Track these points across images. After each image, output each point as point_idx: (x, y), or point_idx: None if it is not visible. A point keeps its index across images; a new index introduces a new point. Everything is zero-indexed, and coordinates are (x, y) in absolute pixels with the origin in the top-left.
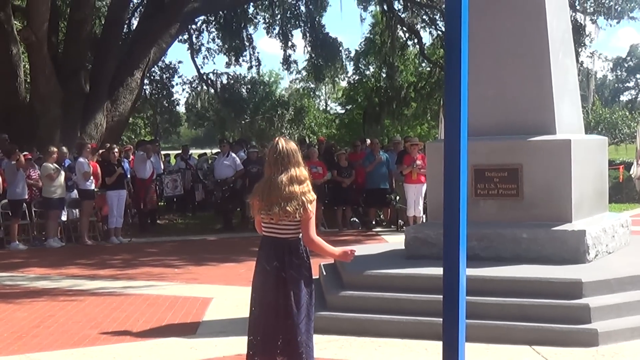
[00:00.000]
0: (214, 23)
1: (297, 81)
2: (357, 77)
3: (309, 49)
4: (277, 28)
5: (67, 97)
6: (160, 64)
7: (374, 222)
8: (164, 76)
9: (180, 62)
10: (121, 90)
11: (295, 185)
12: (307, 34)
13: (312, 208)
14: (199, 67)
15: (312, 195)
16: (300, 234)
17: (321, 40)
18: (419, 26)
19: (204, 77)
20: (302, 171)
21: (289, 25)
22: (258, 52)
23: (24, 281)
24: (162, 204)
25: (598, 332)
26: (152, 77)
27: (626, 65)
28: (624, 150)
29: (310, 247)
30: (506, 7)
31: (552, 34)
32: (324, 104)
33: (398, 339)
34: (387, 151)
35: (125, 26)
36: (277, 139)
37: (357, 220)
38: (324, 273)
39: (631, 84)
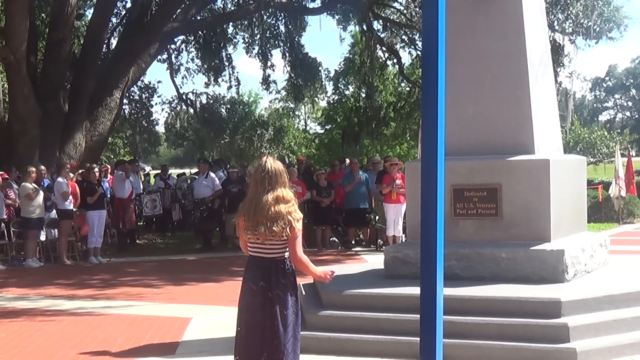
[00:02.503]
0: (193, 43)
1: (277, 101)
2: (336, 97)
3: (289, 68)
4: (257, 48)
5: (46, 116)
6: (139, 83)
7: (353, 242)
8: (143, 96)
9: (159, 81)
10: (100, 110)
11: (281, 205)
12: (287, 54)
13: (299, 226)
14: (178, 86)
15: (299, 214)
16: (287, 254)
17: (301, 60)
18: (398, 46)
19: (183, 96)
20: (288, 192)
21: (268, 45)
22: (237, 72)
23: (2, 301)
24: (142, 223)
25: (577, 351)
26: (131, 97)
27: (605, 85)
28: (602, 170)
29: (296, 265)
30: (485, 28)
31: (530, 55)
32: (304, 124)
33: (378, 358)
34: (366, 171)
35: (105, 46)
36: (264, 158)
37: (336, 239)
38: (304, 292)
39: (610, 103)
